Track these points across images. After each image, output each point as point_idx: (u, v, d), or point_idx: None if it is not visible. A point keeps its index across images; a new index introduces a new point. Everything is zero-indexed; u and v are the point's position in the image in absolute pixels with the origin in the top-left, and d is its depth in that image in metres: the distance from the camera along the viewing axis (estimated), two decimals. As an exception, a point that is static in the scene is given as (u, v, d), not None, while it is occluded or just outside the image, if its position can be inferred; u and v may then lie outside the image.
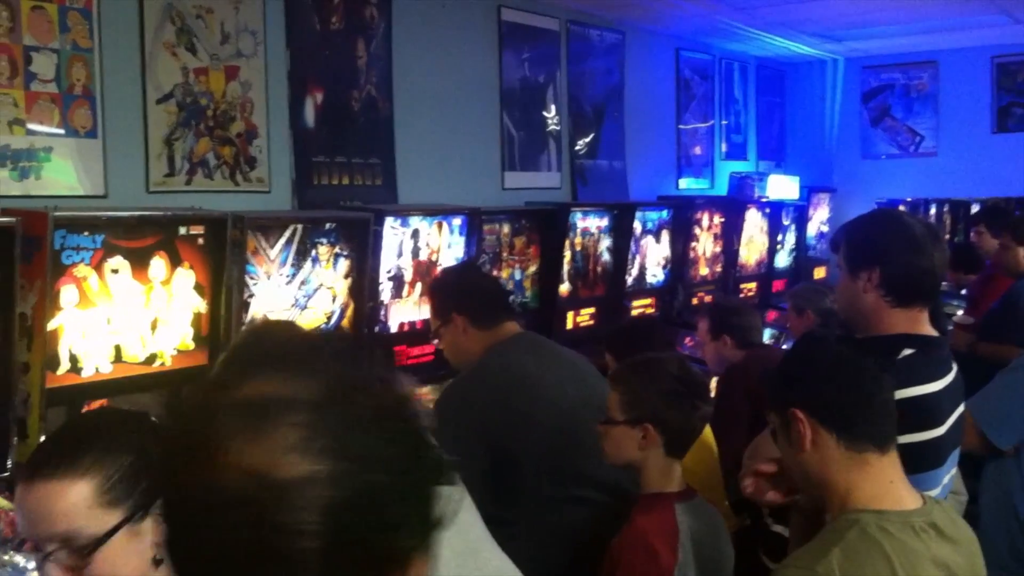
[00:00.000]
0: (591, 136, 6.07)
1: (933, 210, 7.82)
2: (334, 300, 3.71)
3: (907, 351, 2.24)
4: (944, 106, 8.10)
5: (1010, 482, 3.14)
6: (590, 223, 5.22)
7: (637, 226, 5.52)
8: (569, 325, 5.04)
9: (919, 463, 2.15)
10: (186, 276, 3.16)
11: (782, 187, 7.43)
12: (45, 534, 1.36)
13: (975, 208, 7.31)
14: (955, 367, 2.37)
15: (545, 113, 5.68)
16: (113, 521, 1.36)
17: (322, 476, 0.71)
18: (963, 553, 1.80)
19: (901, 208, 6.73)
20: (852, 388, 1.84)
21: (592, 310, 5.20)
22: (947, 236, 7.61)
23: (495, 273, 4.62)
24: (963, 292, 6.32)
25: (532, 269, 4.89)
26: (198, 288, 3.20)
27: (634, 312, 5.50)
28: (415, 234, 4.10)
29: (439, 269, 4.03)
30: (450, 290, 3.04)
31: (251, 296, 3.36)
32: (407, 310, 4.05)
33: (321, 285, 3.65)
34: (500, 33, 5.32)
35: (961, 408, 2.36)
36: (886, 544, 1.69)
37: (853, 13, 6.49)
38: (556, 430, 2.67)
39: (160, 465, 0.81)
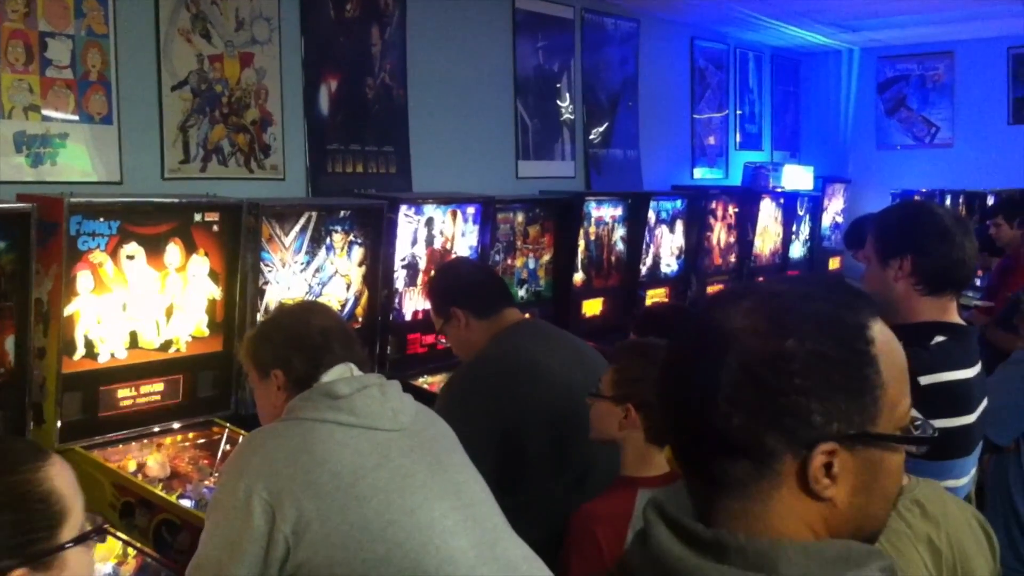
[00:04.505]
0: (605, 125, 6.05)
1: (948, 201, 7.77)
2: (348, 288, 3.70)
3: (939, 338, 2.25)
4: (960, 97, 8.04)
5: (1010, 480, 3.13)
6: (604, 212, 5.21)
7: (651, 216, 5.51)
8: (583, 314, 5.03)
9: (951, 450, 2.15)
10: (201, 263, 3.16)
11: (797, 177, 7.39)
12: None
13: (991, 199, 7.26)
14: (980, 360, 2.36)
15: (559, 102, 5.66)
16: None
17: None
18: (948, 531, 1.77)
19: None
20: None
21: (606, 299, 5.19)
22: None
23: (509, 262, 4.62)
24: (978, 283, 6.29)
25: (546, 258, 4.88)
26: (213, 275, 3.20)
27: (648, 302, 5.48)
28: (429, 222, 4.09)
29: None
30: (446, 286, 3.02)
31: (266, 283, 3.36)
32: (421, 298, 4.04)
33: (336, 272, 3.65)
34: (514, 22, 5.30)
35: (986, 400, 2.36)
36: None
37: (869, 3, 6.45)
38: (562, 415, 2.65)
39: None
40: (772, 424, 0.97)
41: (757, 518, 0.99)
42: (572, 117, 5.74)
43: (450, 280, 3.05)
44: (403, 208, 3.93)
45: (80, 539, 1.33)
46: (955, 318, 2.35)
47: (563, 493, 2.62)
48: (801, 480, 0.98)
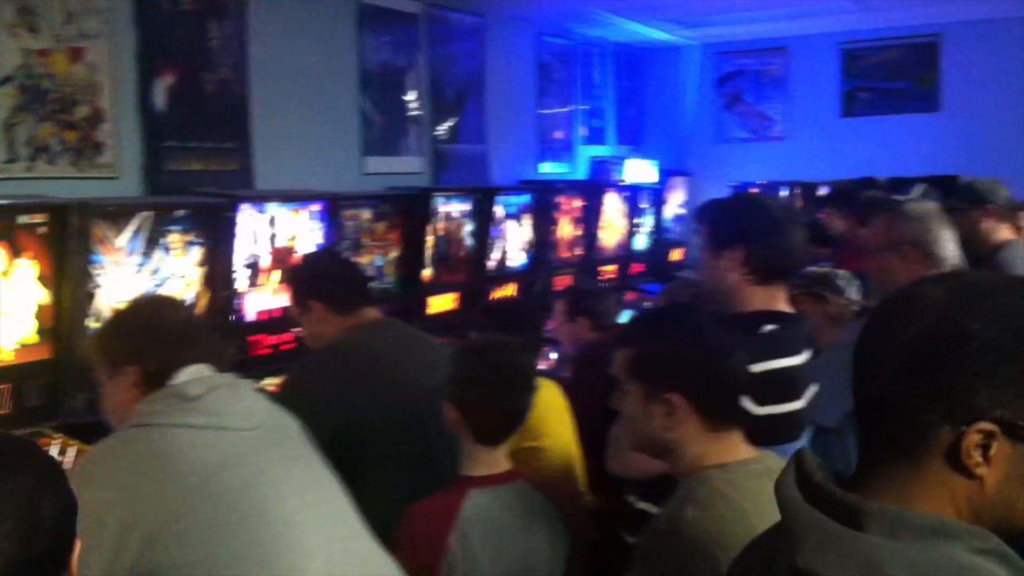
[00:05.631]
0: (453, 121, 6.07)
1: (785, 192, 8.04)
2: (187, 289, 3.62)
3: (769, 326, 2.35)
4: (793, 91, 8.33)
5: (835, 460, 3.27)
6: (452, 208, 5.23)
7: (499, 210, 5.56)
8: (431, 310, 5.04)
9: (781, 435, 2.24)
10: (27, 267, 3.04)
11: (640, 171, 7.56)
12: None
13: (823, 190, 7.55)
14: (812, 347, 2.48)
15: (406, 97, 5.64)
16: None
17: None
18: None
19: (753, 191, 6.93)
20: (729, 377, 1.90)
21: (455, 295, 5.21)
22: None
23: (356, 259, 4.58)
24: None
25: (394, 255, 4.87)
26: (41, 279, 3.09)
27: (495, 296, 5.53)
28: (272, 221, 4.03)
29: (297, 256, 3.98)
30: (306, 277, 3.03)
31: (96, 287, 3.25)
32: (264, 298, 3.99)
33: (173, 274, 3.56)
34: (359, 15, 5.26)
35: (816, 386, 2.47)
36: (732, 492, 1.75)
37: (708, 0, 6.64)
38: (409, 414, 2.65)
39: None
40: (935, 399, 1.02)
41: (904, 483, 1.04)
42: (419, 112, 5.74)
43: (311, 272, 3.06)
44: (244, 206, 3.87)
45: None
46: (784, 307, 2.46)
47: (407, 493, 2.61)
48: (953, 454, 1.01)
